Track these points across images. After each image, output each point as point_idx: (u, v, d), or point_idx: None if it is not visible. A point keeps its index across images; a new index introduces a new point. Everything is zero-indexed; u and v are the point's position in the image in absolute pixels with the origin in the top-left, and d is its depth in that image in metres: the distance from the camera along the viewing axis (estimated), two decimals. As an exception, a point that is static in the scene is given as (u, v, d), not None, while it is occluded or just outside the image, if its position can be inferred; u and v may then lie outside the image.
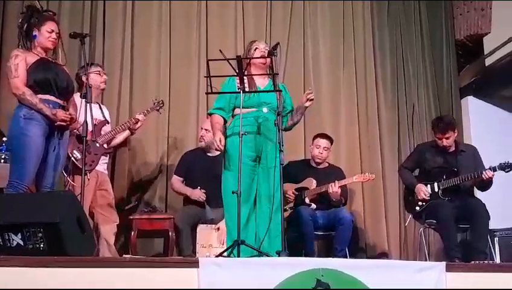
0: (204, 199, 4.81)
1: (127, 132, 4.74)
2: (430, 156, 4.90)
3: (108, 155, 4.72)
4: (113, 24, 5.72)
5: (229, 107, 3.96)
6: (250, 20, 6.11)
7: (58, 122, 3.75)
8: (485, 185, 4.72)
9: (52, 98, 3.79)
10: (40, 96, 3.74)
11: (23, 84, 3.72)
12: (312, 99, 3.95)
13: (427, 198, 4.76)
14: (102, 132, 4.56)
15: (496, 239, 5.01)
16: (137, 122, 4.72)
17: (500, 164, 4.54)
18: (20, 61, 3.74)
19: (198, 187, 4.85)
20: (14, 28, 4.19)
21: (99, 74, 4.63)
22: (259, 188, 3.87)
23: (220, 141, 3.83)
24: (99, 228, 4.51)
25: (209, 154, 5.03)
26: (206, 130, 4.93)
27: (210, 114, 4.09)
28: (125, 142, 4.87)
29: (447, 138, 4.77)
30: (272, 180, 3.76)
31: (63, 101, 3.87)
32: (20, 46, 3.86)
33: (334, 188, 4.83)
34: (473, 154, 4.88)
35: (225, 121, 4.01)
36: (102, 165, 4.61)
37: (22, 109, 3.70)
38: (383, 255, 5.81)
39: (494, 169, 4.55)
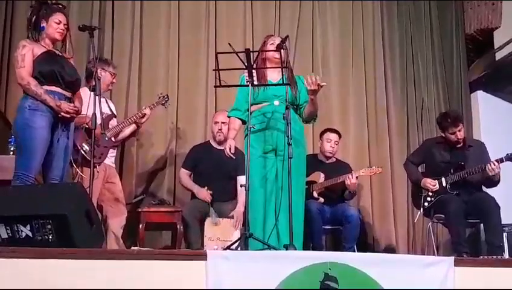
0: (210, 200, 4.77)
1: (134, 126, 4.75)
2: (438, 151, 4.86)
3: (115, 148, 4.75)
4: (122, 17, 5.72)
5: (245, 107, 3.92)
6: (258, 18, 6.10)
7: (62, 114, 3.71)
8: (493, 181, 4.65)
9: (58, 89, 3.76)
10: (45, 87, 3.70)
11: (28, 75, 3.67)
12: (315, 89, 3.78)
13: (435, 188, 4.71)
14: (110, 126, 4.57)
15: (505, 234, 4.96)
16: (143, 116, 4.73)
17: (507, 154, 4.48)
18: (27, 52, 3.70)
19: (206, 187, 4.81)
20: (23, 25, 4.19)
21: (112, 75, 4.65)
22: (278, 180, 3.84)
23: (230, 148, 3.87)
24: (108, 220, 4.52)
25: (222, 147, 5.00)
26: (223, 123, 4.91)
27: (228, 117, 4.14)
28: (133, 134, 4.88)
29: (459, 130, 4.71)
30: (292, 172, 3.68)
31: (70, 93, 3.85)
32: (28, 38, 3.82)
33: (352, 179, 4.81)
34: (480, 148, 4.83)
35: (244, 122, 4.03)
36: (110, 158, 4.63)
37: (27, 100, 3.66)
38: (391, 249, 5.79)
39: (501, 160, 4.49)
